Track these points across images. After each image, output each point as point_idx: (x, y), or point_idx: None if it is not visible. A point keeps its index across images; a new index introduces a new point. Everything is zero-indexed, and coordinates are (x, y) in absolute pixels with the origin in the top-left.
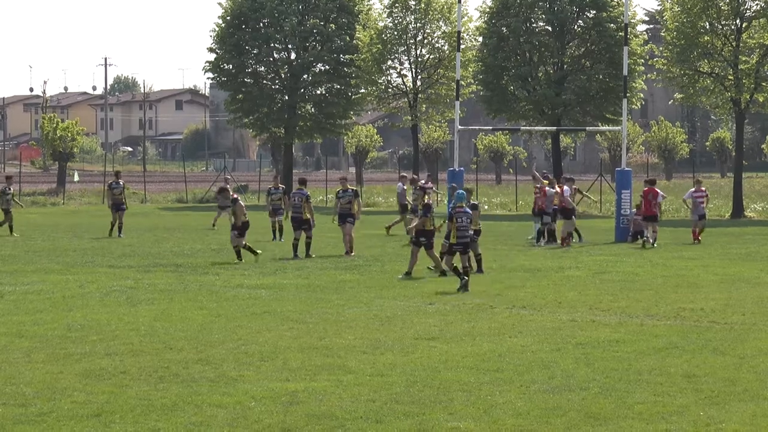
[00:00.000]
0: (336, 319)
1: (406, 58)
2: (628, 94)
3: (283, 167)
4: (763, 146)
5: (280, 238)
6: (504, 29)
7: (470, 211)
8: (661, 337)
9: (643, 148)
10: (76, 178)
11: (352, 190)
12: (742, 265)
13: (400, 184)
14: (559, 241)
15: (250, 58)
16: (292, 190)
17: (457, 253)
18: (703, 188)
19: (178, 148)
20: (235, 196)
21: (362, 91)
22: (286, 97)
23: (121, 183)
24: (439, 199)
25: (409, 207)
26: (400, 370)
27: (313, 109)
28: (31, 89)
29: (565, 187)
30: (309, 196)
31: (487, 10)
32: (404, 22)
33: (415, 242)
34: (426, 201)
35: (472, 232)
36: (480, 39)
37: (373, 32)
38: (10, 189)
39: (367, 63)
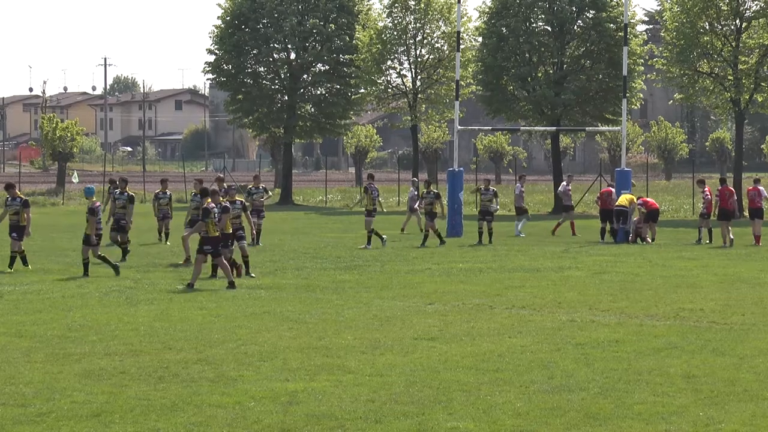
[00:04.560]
0: (335, 320)
1: (405, 58)
2: (627, 94)
3: (282, 167)
4: (763, 146)
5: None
6: (503, 29)
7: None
8: (660, 338)
9: (643, 148)
10: (76, 178)
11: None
12: (741, 265)
13: (564, 183)
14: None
15: (250, 58)
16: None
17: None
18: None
19: (178, 148)
20: None
21: (362, 91)
22: (286, 97)
23: (168, 193)
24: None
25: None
26: (399, 370)
27: (312, 109)
28: (31, 89)
29: (760, 188)
30: (133, 196)
31: (487, 10)
32: (404, 22)
33: (199, 250)
34: (206, 205)
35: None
36: (479, 39)
37: (372, 32)
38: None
39: (367, 63)
